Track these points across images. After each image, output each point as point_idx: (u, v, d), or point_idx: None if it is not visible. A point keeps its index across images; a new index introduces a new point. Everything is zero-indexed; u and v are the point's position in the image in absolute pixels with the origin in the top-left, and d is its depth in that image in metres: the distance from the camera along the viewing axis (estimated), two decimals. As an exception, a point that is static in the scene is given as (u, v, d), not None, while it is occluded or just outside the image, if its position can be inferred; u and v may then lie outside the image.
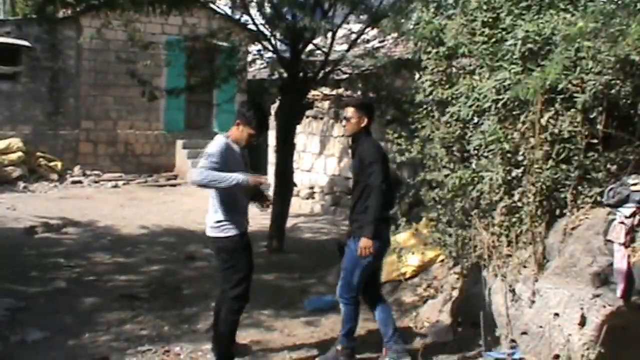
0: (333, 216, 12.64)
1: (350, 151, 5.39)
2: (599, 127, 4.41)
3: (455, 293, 5.94)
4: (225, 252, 4.80)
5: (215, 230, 4.80)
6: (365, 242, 4.79)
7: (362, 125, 5.03)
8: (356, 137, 5.07)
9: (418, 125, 5.52)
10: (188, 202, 13.59)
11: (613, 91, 4.35)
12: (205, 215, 4.92)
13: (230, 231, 4.76)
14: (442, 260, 6.62)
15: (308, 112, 11.87)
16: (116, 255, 8.77)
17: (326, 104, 12.88)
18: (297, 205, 13.08)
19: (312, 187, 13.57)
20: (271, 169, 11.35)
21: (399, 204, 10.42)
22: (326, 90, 11.03)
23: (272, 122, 11.76)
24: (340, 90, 10.56)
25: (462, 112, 4.96)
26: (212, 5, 9.62)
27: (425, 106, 5.45)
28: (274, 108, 9.98)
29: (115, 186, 15.90)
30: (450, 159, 5.32)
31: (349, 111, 5.05)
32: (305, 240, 10.38)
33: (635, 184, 4.18)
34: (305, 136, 13.80)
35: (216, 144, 4.67)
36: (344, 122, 5.12)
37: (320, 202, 13.26)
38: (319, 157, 13.43)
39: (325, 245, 9.65)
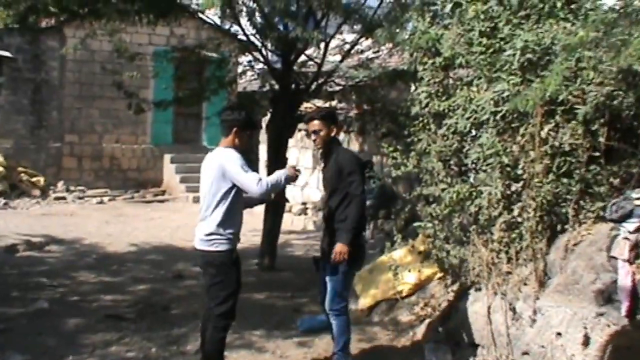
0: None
1: (321, 161, 5.44)
2: (601, 139, 4.42)
3: (453, 312, 5.91)
4: (213, 267, 4.79)
5: (205, 244, 4.79)
6: (341, 248, 4.89)
7: (332, 134, 5.10)
8: (328, 147, 5.13)
9: (414, 139, 5.55)
10: (176, 219, 13.54)
11: (615, 102, 4.36)
12: (196, 228, 4.91)
13: (220, 246, 4.75)
14: (439, 278, 6.62)
15: (300, 126, 11.82)
16: (101, 274, 8.73)
17: None
18: (289, 221, 13.09)
19: (304, 203, 13.53)
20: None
21: (395, 220, 10.46)
22: (319, 103, 10.87)
23: (263, 135, 11.80)
24: (334, 103, 10.59)
25: (459, 124, 4.98)
26: (201, 15, 9.57)
27: (421, 119, 5.47)
28: (265, 121, 9.96)
29: (101, 202, 15.85)
30: (448, 173, 5.33)
31: (316, 124, 5.10)
32: (298, 257, 10.37)
33: (639, 198, 4.18)
34: (298, 150, 13.79)
35: (234, 156, 4.70)
36: (312, 137, 5.14)
37: (313, 219, 13.27)
38: (312, 172, 13.41)
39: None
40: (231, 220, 4.77)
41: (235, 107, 5.18)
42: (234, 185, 4.68)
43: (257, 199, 4.87)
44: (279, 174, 4.72)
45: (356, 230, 4.92)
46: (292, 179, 4.80)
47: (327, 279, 5.08)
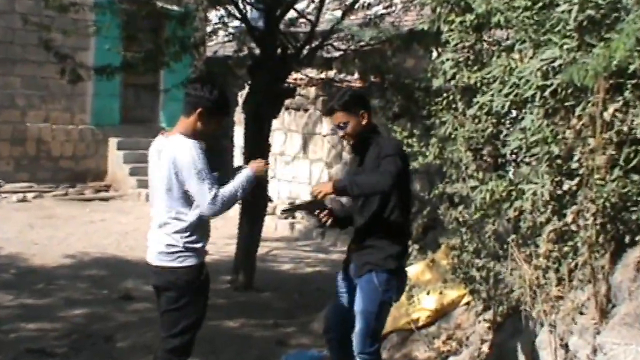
0: (321, 241, 12.71)
1: (348, 158, 5.46)
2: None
3: (485, 348, 5.93)
4: (175, 288, 4.80)
5: (166, 258, 4.78)
6: (326, 187, 4.95)
7: (364, 123, 5.16)
8: (364, 140, 5.19)
9: (435, 121, 5.56)
10: (125, 222, 13.61)
11: None
12: (149, 237, 4.92)
13: (187, 260, 4.77)
14: (467, 303, 6.64)
15: (288, 102, 11.96)
16: (22, 294, 8.71)
17: (312, 91, 13.00)
18: (273, 226, 13.23)
19: (292, 202, 13.46)
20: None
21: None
22: (312, 73, 11.10)
23: (239, 114, 11.84)
24: (332, 73, 10.67)
25: (495, 102, 4.98)
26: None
27: (445, 95, 5.47)
28: (241, 96, 10.21)
29: (23, 200, 15.86)
30: (479, 166, 5.34)
31: (339, 117, 5.17)
32: (283, 273, 10.43)
33: None
34: (284, 134, 13.88)
35: (190, 151, 4.66)
36: (340, 133, 5.24)
37: (303, 223, 13.34)
38: (302, 162, 13.53)
39: (310, 280, 9.71)
40: (199, 226, 4.80)
41: (207, 80, 5.21)
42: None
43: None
44: (240, 182, 4.74)
45: (360, 190, 4.94)
46: (259, 179, 4.85)
47: (357, 309, 5.13)
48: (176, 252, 4.76)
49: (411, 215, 5.40)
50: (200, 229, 4.79)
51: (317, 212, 5.29)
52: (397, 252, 5.09)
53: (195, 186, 4.61)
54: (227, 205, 4.65)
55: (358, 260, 5.16)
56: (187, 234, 4.76)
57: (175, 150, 4.67)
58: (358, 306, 5.10)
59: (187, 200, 4.71)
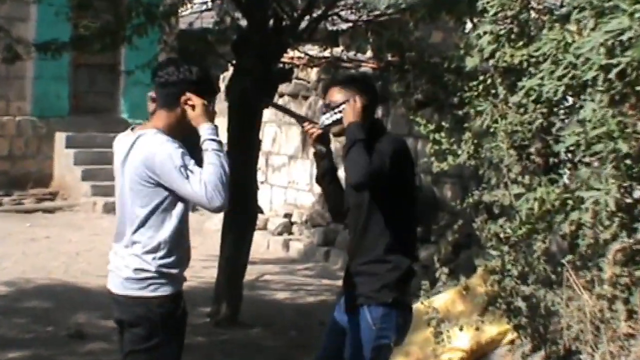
0: (324, 263, 12.72)
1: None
2: None
3: (534, 399, 5.98)
4: (146, 325, 4.77)
5: (134, 286, 4.76)
6: (315, 131, 5.10)
7: (364, 111, 5.09)
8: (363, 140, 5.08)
9: (470, 111, 5.63)
10: (76, 240, 13.60)
11: None
12: (111, 259, 4.90)
13: (161, 288, 4.75)
14: (511, 342, 6.65)
15: (283, 88, 12.07)
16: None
17: (313, 73, 13.01)
18: (264, 243, 13.28)
19: (288, 215, 13.63)
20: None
21: (437, 244, 10.81)
22: (314, 50, 11.15)
23: (221, 103, 11.78)
24: (338, 50, 10.73)
25: (545, 87, 4.98)
26: None
27: (482, 78, 5.53)
28: (224, 80, 10.42)
29: (-56, 211, 15.92)
30: (525, 168, 5.38)
31: (335, 94, 5.14)
32: (277, 304, 10.43)
33: None
34: (278, 128, 13.90)
35: (168, 149, 4.65)
36: (330, 116, 5.14)
37: (302, 240, 13.35)
38: (302, 164, 13.52)
39: (312, 313, 9.68)
40: (177, 244, 4.79)
41: (181, 59, 5.20)
42: (171, 193, 4.68)
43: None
44: (213, 151, 4.66)
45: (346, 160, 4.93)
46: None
47: (346, 357, 5.14)
48: (148, 278, 4.73)
49: (416, 233, 5.41)
50: (178, 248, 4.77)
51: (305, 123, 5.31)
52: (395, 280, 5.04)
53: (186, 187, 4.58)
54: (224, 188, 4.58)
55: (349, 291, 5.17)
56: (162, 254, 4.73)
57: (147, 150, 4.68)
58: (347, 352, 5.13)
59: (162, 209, 4.71)
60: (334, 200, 5.31)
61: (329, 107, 5.13)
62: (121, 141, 4.87)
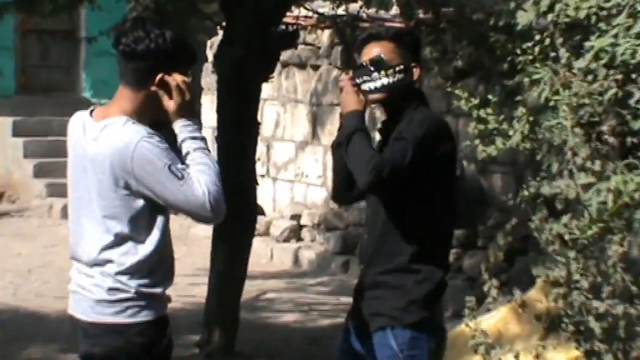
0: (342, 276, 12.69)
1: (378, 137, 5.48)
2: None
3: None
4: (123, 359, 4.76)
5: (108, 310, 4.74)
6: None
7: (415, 78, 5.24)
8: (399, 107, 5.25)
9: (523, 80, 5.58)
10: (28, 252, 13.61)
11: None
12: (73, 277, 4.88)
13: (141, 313, 4.73)
14: (581, 372, 6.75)
15: (286, 56, 12.11)
16: None
17: (325, 36, 13.03)
18: (266, 253, 13.35)
19: (296, 217, 13.69)
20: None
21: (485, 250, 10.93)
22: (324, 7, 11.19)
23: (209, 76, 12.18)
24: (355, 7, 10.71)
25: (620, 47, 4.99)
26: None
27: (538, 37, 5.47)
28: (211, 48, 10.55)
29: None
30: (595, 151, 5.35)
31: (382, 49, 5.18)
32: (283, 328, 10.47)
33: None
34: (281, 107, 13.93)
35: (150, 143, 4.61)
36: (368, 82, 5.19)
37: (314, 247, 13.35)
38: (312, 151, 13.58)
39: (325, 338, 9.64)
40: (158, 263, 4.79)
41: (150, 21, 5.06)
42: (151, 200, 4.67)
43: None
44: (197, 150, 4.69)
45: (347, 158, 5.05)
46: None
47: None
48: (125, 299, 4.70)
49: (453, 235, 5.53)
50: (161, 264, 4.79)
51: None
52: (425, 295, 5.08)
53: (177, 193, 4.57)
54: (221, 194, 4.60)
55: (365, 308, 5.20)
56: (142, 273, 4.74)
57: (120, 146, 4.61)
58: None
59: (140, 220, 4.71)
60: (346, 176, 5.24)
61: (378, 66, 5.14)
62: (79, 126, 4.81)
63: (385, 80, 5.13)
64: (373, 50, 5.19)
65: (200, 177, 4.57)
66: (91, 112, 4.79)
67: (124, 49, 4.71)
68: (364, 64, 5.18)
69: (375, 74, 5.13)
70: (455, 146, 5.36)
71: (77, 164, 4.81)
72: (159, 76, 4.66)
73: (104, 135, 4.65)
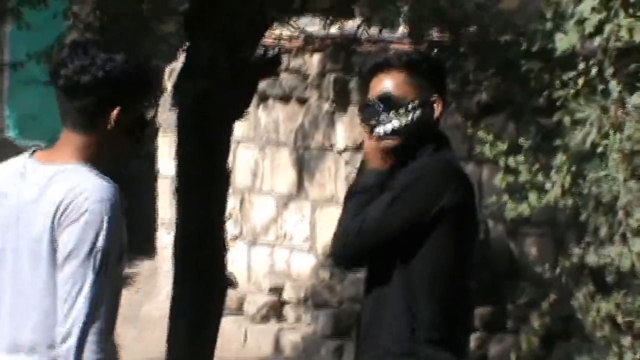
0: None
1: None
2: None
3: None
4: None
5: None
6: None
7: (437, 115, 5.12)
8: (411, 154, 5.11)
9: (563, 119, 5.57)
10: None
11: None
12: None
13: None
14: None
15: (265, 86, 12.73)
16: None
17: (314, 61, 13.25)
18: (239, 336, 13.68)
19: (277, 289, 14.08)
20: (165, 239, 12.73)
21: (516, 334, 10.85)
22: (314, 26, 11.15)
23: (166, 112, 12.36)
24: (351, 24, 10.50)
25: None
26: None
27: (583, 66, 5.53)
28: (170, 76, 10.05)
29: None
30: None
31: (394, 81, 5.03)
32: None
33: None
34: (259, 150, 14.57)
35: (106, 203, 4.25)
36: (378, 125, 5.04)
37: (299, 329, 13.69)
38: (297, 207, 14.03)
39: None
40: (100, 345, 4.27)
41: (89, 43, 4.70)
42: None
43: None
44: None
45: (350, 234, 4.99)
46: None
47: None
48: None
49: (471, 312, 5.77)
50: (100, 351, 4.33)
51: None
52: None
53: (76, 279, 4.14)
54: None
55: None
56: (100, 338, 4.28)
57: (69, 198, 4.23)
58: None
59: (75, 296, 4.32)
60: None
61: (388, 104, 5.01)
62: (17, 174, 4.48)
63: (396, 123, 5.03)
64: (382, 84, 5.09)
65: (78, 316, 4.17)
66: (31, 154, 4.55)
67: (65, 84, 4.43)
68: (370, 101, 5.11)
69: (384, 115, 5.05)
70: (472, 198, 5.09)
71: (10, 220, 4.41)
72: (115, 112, 4.43)
73: (59, 183, 4.40)
